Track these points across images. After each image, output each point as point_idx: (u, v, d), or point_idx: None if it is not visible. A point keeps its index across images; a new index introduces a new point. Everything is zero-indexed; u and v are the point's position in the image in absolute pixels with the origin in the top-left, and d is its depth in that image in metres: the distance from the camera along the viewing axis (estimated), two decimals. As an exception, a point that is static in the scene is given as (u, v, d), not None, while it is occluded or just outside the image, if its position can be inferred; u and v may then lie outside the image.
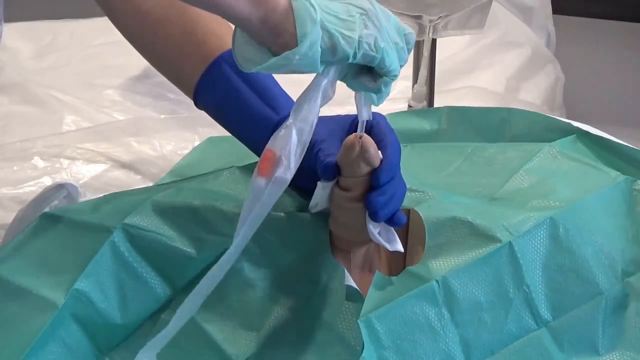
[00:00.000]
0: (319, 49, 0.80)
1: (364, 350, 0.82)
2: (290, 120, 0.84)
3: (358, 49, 0.82)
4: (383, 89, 0.85)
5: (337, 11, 0.81)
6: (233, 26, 1.00)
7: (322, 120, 0.94)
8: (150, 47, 1.01)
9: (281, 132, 0.84)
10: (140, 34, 1.01)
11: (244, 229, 0.84)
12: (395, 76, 0.85)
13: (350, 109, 1.55)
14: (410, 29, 0.87)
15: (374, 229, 0.89)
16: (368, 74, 0.85)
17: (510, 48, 1.88)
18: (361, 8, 0.82)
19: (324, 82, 0.84)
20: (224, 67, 0.96)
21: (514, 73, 1.82)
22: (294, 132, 0.83)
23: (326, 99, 0.85)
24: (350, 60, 0.82)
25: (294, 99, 0.86)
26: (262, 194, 0.83)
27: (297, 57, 0.79)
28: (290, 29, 0.79)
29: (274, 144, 0.83)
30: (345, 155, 0.88)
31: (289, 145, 0.83)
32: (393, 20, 0.85)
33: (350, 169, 0.88)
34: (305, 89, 0.85)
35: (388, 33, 0.83)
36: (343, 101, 1.65)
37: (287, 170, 0.83)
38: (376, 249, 0.94)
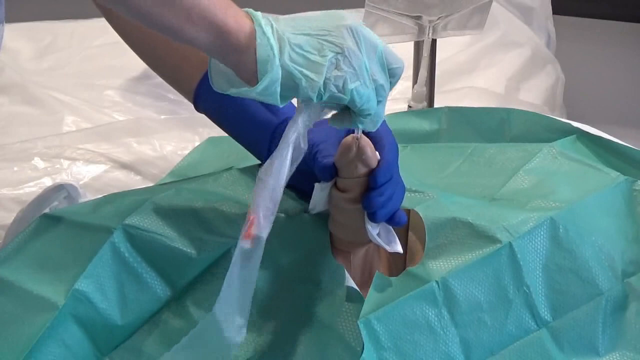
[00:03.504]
0: (277, 90, 0.80)
1: (364, 351, 0.82)
2: (261, 177, 0.84)
3: (324, 91, 0.81)
4: (359, 125, 0.84)
5: (309, 50, 0.81)
6: None
7: (320, 122, 0.94)
8: (150, 51, 1.01)
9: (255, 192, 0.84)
10: (140, 37, 1.01)
11: (231, 292, 0.83)
12: (369, 115, 0.83)
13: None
14: (400, 62, 0.85)
15: (373, 230, 0.89)
16: (346, 110, 0.84)
17: (510, 48, 1.88)
18: (338, 46, 0.81)
19: (294, 136, 0.84)
20: None
21: (514, 73, 1.82)
22: (264, 190, 0.83)
23: (298, 152, 0.84)
24: (315, 101, 0.82)
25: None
26: (249, 257, 0.83)
27: (254, 94, 0.80)
28: (252, 67, 0.80)
29: (251, 207, 0.84)
30: (342, 156, 0.88)
31: (261, 204, 0.83)
32: (380, 52, 0.83)
33: (348, 170, 0.88)
34: (278, 146, 0.84)
35: (367, 70, 0.82)
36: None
37: (260, 228, 0.82)
38: (376, 250, 0.94)
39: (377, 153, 0.88)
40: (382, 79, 0.83)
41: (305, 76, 0.80)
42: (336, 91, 0.81)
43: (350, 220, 0.89)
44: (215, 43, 0.80)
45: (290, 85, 0.80)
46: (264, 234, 0.82)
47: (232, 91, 0.81)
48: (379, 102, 0.84)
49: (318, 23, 0.82)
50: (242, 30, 0.80)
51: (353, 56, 0.81)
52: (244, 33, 0.80)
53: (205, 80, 0.97)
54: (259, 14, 0.82)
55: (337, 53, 0.81)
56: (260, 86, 0.80)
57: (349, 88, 0.81)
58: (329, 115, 0.86)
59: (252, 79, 0.80)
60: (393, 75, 0.84)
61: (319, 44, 0.81)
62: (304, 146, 0.84)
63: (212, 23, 0.80)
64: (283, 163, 0.83)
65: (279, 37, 0.80)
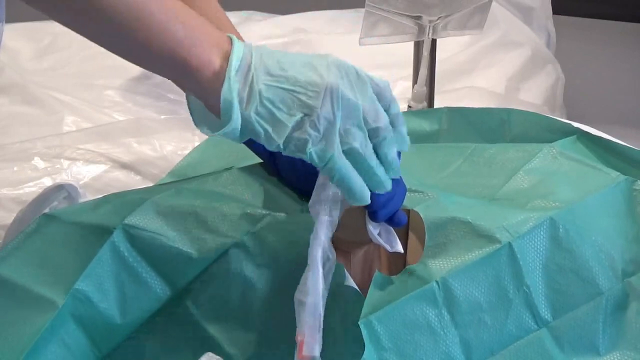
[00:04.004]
0: (238, 134, 0.80)
1: (364, 352, 0.82)
2: (299, 298, 0.82)
3: (283, 148, 0.80)
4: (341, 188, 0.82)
5: (278, 106, 0.79)
6: (230, 22, 1.01)
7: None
8: None
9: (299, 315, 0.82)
10: None
11: None
12: (337, 179, 0.81)
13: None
14: (382, 121, 0.81)
15: (374, 230, 0.89)
16: None
17: (510, 48, 1.88)
18: (309, 108, 0.79)
19: (319, 253, 0.83)
20: None
21: (514, 73, 1.82)
22: (305, 311, 0.82)
23: (329, 263, 0.83)
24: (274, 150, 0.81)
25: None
26: None
27: (218, 135, 0.80)
28: (217, 106, 0.79)
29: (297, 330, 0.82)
30: None
31: (305, 325, 0.82)
32: (358, 116, 0.80)
33: None
34: (308, 265, 0.83)
35: (337, 135, 0.79)
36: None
37: (311, 349, 0.81)
38: (376, 249, 0.94)
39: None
40: (357, 142, 0.80)
41: (266, 131, 0.79)
42: (295, 150, 0.80)
43: (351, 219, 0.89)
44: (178, 79, 0.80)
45: (251, 132, 0.80)
46: (317, 351, 0.81)
47: (203, 130, 0.81)
48: (358, 167, 0.81)
49: (298, 75, 0.79)
50: (208, 68, 0.79)
51: (322, 120, 0.79)
52: (211, 72, 0.79)
53: None
54: (239, 49, 0.80)
55: (306, 115, 0.79)
56: (221, 132, 0.79)
57: (308, 150, 0.79)
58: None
59: (218, 115, 0.80)
60: (375, 136, 0.82)
61: (290, 101, 0.79)
62: (332, 256, 0.84)
63: (174, 58, 0.79)
64: (317, 280, 0.82)
65: (251, 86, 0.79)
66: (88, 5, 0.79)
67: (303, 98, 0.79)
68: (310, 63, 0.80)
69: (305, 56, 0.81)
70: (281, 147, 0.80)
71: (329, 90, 0.79)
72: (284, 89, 0.79)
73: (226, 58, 0.79)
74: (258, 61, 0.80)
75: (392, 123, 0.83)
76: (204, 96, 0.80)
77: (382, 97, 0.82)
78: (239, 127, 0.79)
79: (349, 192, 0.82)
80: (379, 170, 0.83)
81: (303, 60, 0.80)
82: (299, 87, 0.79)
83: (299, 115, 0.78)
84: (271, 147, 0.80)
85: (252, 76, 0.79)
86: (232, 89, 0.78)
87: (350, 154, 0.81)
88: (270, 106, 0.79)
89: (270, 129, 0.79)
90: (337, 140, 0.79)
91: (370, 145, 0.82)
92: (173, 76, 0.82)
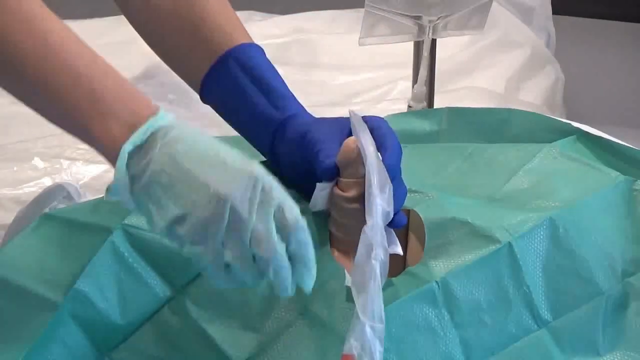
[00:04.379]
0: (127, 206, 0.79)
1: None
2: (360, 318, 0.78)
3: (166, 236, 0.78)
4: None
5: (167, 195, 0.75)
6: (241, 22, 1.01)
7: (323, 121, 0.94)
8: (159, 40, 1.02)
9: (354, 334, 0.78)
10: (150, 26, 1.01)
11: None
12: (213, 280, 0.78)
13: (350, 109, 1.55)
14: (305, 248, 0.78)
15: (374, 231, 0.89)
16: None
17: (510, 48, 1.88)
18: (194, 207, 0.75)
19: (377, 267, 0.80)
20: (230, 64, 0.96)
21: (514, 73, 1.82)
22: (368, 330, 0.78)
23: (383, 267, 0.81)
24: None
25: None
26: None
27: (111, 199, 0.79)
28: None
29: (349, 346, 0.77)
30: (344, 156, 0.88)
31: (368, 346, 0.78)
32: (252, 228, 0.75)
33: (350, 170, 0.88)
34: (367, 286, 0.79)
35: (217, 244, 0.75)
36: (343, 101, 1.65)
37: None
38: (376, 250, 0.94)
39: (379, 154, 0.88)
40: (234, 259, 0.76)
41: (149, 213, 0.78)
42: (175, 243, 0.78)
43: (351, 220, 0.89)
44: (85, 142, 0.80)
45: (139, 208, 0.79)
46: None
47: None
48: (235, 280, 0.78)
49: (199, 172, 0.76)
50: (107, 138, 0.78)
51: (201, 225, 0.75)
52: (110, 142, 0.78)
53: (212, 72, 0.97)
54: (153, 124, 0.77)
55: (188, 214, 0.76)
56: (109, 198, 0.79)
57: (185, 249, 0.77)
58: None
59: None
60: (263, 265, 0.77)
61: (178, 195, 0.76)
62: (385, 257, 0.81)
63: (76, 122, 0.79)
64: (377, 296, 0.80)
65: (147, 165, 0.76)
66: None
67: (192, 197, 0.75)
68: (223, 165, 0.76)
69: (229, 154, 0.77)
70: (164, 233, 0.78)
71: (218, 198, 0.75)
72: (177, 179, 0.76)
73: (131, 130, 0.77)
74: (168, 142, 0.77)
75: (294, 253, 0.79)
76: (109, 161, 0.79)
77: (284, 226, 0.78)
78: (126, 200, 0.78)
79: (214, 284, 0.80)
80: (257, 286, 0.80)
81: (218, 157, 0.77)
82: (192, 184, 0.76)
83: (182, 211, 0.76)
84: (155, 230, 0.78)
85: (154, 155, 0.76)
86: (121, 163, 0.77)
87: (228, 266, 0.78)
88: (158, 190, 0.76)
89: (153, 211, 0.77)
90: (214, 249, 0.76)
91: (251, 265, 0.77)
92: (80, 138, 0.81)
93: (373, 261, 0.80)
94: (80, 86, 0.79)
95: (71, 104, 0.79)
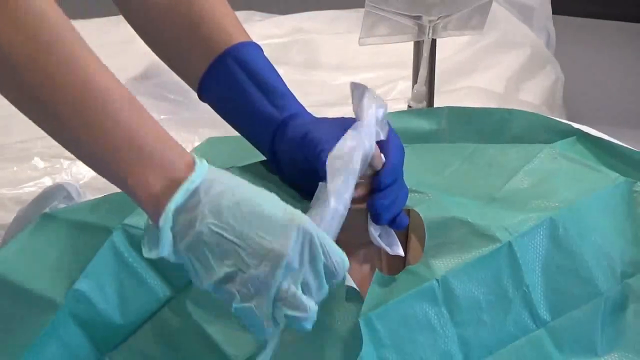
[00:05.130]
0: (172, 260, 0.78)
1: (362, 349, 0.82)
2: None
3: (213, 293, 0.78)
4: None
5: (214, 252, 0.75)
6: (239, 21, 1.01)
7: (323, 120, 0.94)
8: (158, 38, 1.02)
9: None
10: (149, 25, 1.01)
11: None
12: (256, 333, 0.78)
13: (350, 109, 1.55)
14: (346, 279, 0.80)
15: (375, 232, 0.89)
16: None
17: (510, 48, 1.88)
18: (245, 265, 0.75)
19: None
20: (229, 62, 0.96)
21: (514, 73, 1.82)
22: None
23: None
24: None
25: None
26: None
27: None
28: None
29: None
30: None
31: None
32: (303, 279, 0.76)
33: None
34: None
35: (271, 299, 0.75)
36: (343, 101, 1.65)
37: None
38: (376, 250, 0.94)
39: (382, 155, 0.88)
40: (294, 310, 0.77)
41: (196, 270, 0.77)
42: (224, 299, 0.78)
43: (353, 220, 0.89)
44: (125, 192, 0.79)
45: (183, 263, 0.78)
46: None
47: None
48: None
49: (247, 229, 0.75)
50: (148, 199, 0.77)
51: (254, 282, 0.75)
52: (150, 197, 0.77)
53: (210, 70, 0.97)
54: (194, 180, 0.77)
55: (240, 270, 0.75)
56: (150, 254, 0.78)
57: (234, 305, 0.77)
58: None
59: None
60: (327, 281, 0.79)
61: (227, 252, 0.75)
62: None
63: (117, 175, 0.78)
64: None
65: (192, 223, 0.76)
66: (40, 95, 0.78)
67: (242, 254, 0.75)
68: (270, 220, 0.76)
69: (271, 206, 0.77)
70: (210, 290, 0.78)
71: (274, 256, 0.75)
72: (226, 238, 0.76)
73: (171, 187, 0.76)
74: (212, 199, 0.76)
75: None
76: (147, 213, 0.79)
77: (331, 273, 0.79)
78: (172, 257, 0.78)
79: (254, 334, 0.80)
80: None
81: (263, 213, 0.76)
82: (242, 242, 0.75)
83: (232, 269, 0.76)
84: (201, 287, 0.78)
85: (198, 214, 0.76)
86: (166, 223, 0.76)
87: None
88: (205, 250, 0.76)
89: (200, 270, 0.77)
90: (268, 304, 0.76)
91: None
92: (110, 181, 0.80)
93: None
94: (120, 131, 0.78)
95: (110, 148, 0.77)
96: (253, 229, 0.76)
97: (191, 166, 0.78)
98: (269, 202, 0.78)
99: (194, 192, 0.77)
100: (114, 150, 0.78)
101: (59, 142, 0.82)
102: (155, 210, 0.77)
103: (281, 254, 0.75)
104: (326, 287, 0.79)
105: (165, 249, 0.77)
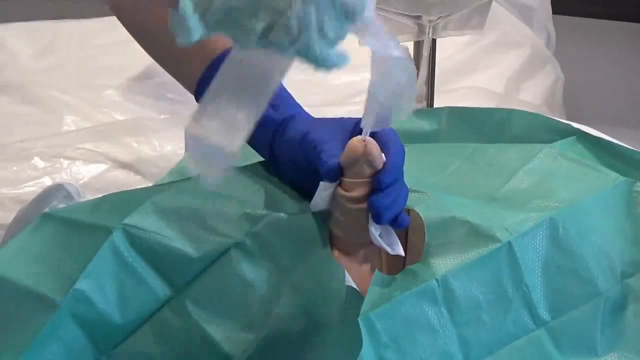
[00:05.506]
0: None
1: (362, 349, 0.82)
2: None
3: (263, 47, 0.73)
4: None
5: (244, 12, 0.71)
6: None
7: (323, 121, 0.94)
8: (153, 42, 1.02)
9: None
10: (144, 28, 1.01)
11: None
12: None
13: (350, 108, 1.56)
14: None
15: (376, 231, 0.89)
16: None
17: (510, 48, 1.88)
18: (276, 12, 0.71)
19: None
20: None
21: (514, 73, 1.82)
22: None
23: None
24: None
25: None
26: None
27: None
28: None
29: None
30: (348, 157, 0.88)
31: None
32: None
33: (354, 170, 0.88)
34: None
35: (316, 32, 0.73)
36: (343, 101, 1.65)
37: None
38: (376, 251, 0.94)
39: (383, 155, 0.89)
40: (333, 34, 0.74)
41: (235, 36, 0.73)
42: (274, 50, 0.73)
43: (353, 220, 0.89)
44: None
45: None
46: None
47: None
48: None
49: None
50: None
51: (294, 23, 0.72)
52: None
53: (207, 73, 0.97)
54: None
55: (274, 20, 0.71)
56: (185, 41, 0.74)
57: (284, 51, 0.74)
58: None
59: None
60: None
61: (255, 6, 0.71)
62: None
63: None
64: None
65: None
66: None
67: (269, 2, 0.72)
68: None
69: None
70: (260, 46, 0.73)
71: None
72: None
73: None
74: None
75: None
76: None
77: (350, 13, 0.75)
78: (205, 35, 0.73)
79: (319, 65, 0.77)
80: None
81: None
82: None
83: (267, 21, 0.72)
84: (246, 46, 0.74)
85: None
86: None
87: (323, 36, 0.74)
88: (234, 13, 0.72)
89: (239, 34, 0.72)
90: (316, 36, 0.73)
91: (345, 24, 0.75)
92: None
93: None
94: None
95: None
96: None
97: None
98: None
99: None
100: None
101: None
102: None
103: None
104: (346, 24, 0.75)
105: (194, 28, 0.73)
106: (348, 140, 0.88)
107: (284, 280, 0.91)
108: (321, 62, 0.76)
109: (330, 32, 0.75)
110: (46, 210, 1.05)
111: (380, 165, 0.88)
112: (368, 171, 0.88)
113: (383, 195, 0.88)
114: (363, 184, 0.88)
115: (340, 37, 0.76)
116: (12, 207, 1.26)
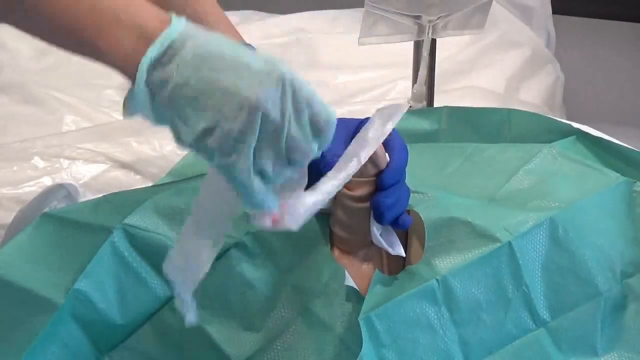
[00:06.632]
0: (152, 121, 0.75)
1: (362, 348, 0.82)
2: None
3: (196, 152, 0.74)
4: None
5: (193, 106, 0.71)
6: (232, 24, 1.01)
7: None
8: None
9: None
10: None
11: None
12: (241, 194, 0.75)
13: (350, 108, 1.55)
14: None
15: (377, 231, 0.89)
16: None
17: (510, 48, 1.88)
18: (222, 117, 0.70)
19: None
20: None
21: (514, 73, 1.82)
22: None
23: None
24: None
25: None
26: None
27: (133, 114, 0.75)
28: None
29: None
30: None
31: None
32: (286, 133, 0.72)
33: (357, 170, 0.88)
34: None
35: (250, 153, 0.72)
36: (343, 101, 1.65)
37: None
38: (377, 250, 0.94)
39: (387, 154, 0.89)
40: (270, 166, 0.73)
41: (175, 127, 0.74)
42: (204, 157, 0.75)
43: (355, 219, 0.89)
44: (93, 59, 0.76)
45: (164, 121, 0.75)
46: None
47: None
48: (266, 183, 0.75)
49: (224, 79, 0.71)
50: (118, 53, 0.73)
51: (232, 135, 0.71)
52: (122, 55, 0.73)
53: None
54: (170, 34, 0.72)
55: (218, 124, 0.71)
56: (131, 112, 0.75)
57: (215, 160, 0.74)
58: None
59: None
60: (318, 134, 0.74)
61: (204, 105, 0.71)
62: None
63: (82, 39, 0.75)
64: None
65: (168, 77, 0.71)
66: None
67: (220, 107, 0.71)
68: (248, 69, 0.71)
69: (252, 57, 0.72)
70: (192, 148, 0.74)
71: (250, 105, 0.70)
72: (203, 90, 0.71)
73: (146, 43, 0.72)
74: (188, 52, 0.72)
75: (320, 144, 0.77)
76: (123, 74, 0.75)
77: (317, 129, 0.75)
78: (151, 117, 0.74)
79: (249, 203, 0.76)
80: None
81: (242, 62, 0.72)
82: (218, 93, 0.71)
83: (211, 123, 0.71)
84: (182, 145, 0.75)
85: (175, 67, 0.72)
86: (141, 78, 0.72)
87: (261, 173, 0.74)
88: (183, 102, 0.72)
89: (180, 126, 0.73)
90: (247, 158, 0.72)
91: (287, 167, 0.75)
92: (86, 55, 0.76)
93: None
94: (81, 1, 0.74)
95: (72, 19, 0.74)
96: (230, 79, 0.71)
97: (167, 22, 0.74)
98: (249, 54, 0.73)
99: (170, 46, 0.73)
100: (84, 13, 0.74)
101: (27, 25, 0.80)
102: (132, 70, 0.73)
103: (258, 103, 0.70)
104: (310, 145, 0.74)
105: (141, 104, 0.73)
106: (351, 140, 0.88)
107: (284, 280, 0.92)
108: (242, 189, 0.75)
109: (268, 166, 0.74)
110: (46, 210, 1.05)
111: (383, 165, 0.88)
112: (372, 170, 0.88)
113: (385, 194, 0.88)
114: (366, 183, 0.88)
115: (278, 175, 0.75)
116: (12, 207, 1.26)
